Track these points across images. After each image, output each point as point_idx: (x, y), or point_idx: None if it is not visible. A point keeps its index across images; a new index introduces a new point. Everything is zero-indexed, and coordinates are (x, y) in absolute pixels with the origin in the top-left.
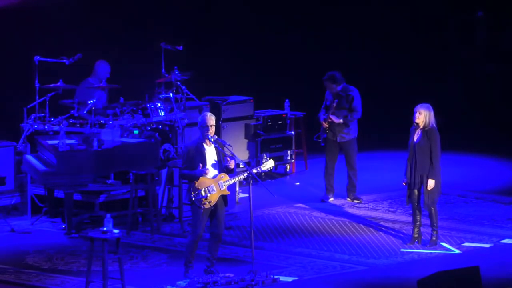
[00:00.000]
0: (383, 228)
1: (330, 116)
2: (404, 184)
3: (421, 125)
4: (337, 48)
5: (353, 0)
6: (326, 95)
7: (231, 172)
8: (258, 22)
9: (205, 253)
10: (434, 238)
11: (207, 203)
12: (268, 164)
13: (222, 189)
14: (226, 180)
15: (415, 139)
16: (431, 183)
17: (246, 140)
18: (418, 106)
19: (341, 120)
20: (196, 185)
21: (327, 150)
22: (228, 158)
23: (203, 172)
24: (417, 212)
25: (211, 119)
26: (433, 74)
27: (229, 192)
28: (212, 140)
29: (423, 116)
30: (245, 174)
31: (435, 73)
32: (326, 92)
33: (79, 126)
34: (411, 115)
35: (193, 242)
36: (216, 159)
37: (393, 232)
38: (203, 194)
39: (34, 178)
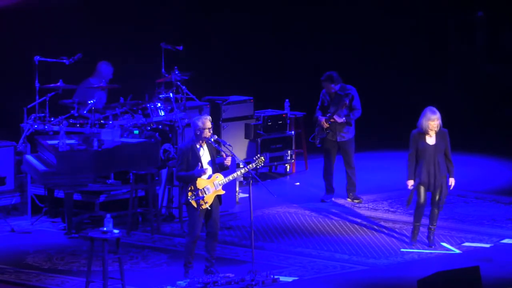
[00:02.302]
0: (383, 228)
1: (334, 117)
2: (411, 187)
3: (438, 129)
4: (337, 48)
5: (354, 0)
6: (321, 95)
7: (226, 169)
8: (258, 22)
9: (204, 253)
10: (433, 237)
11: (204, 204)
12: (260, 161)
13: (217, 189)
14: (221, 180)
15: (430, 142)
16: (453, 182)
17: (246, 140)
18: (433, 112)
19: (343, 119)
20: (192, 186)
21: (326, 150)
22: (224, 155)
23: (202, 172)
24: (422, 213)
25: (207, 122)
26: (433, 74)
27: (224, 192)
28: (212, 140)
29: (439, 119)
30: (239, 172)
31: (435, 73)
32: (321, 92)
33: (79, 126)
34: (411, 114)
35: (191, 243)
36: (210, 159)
37: (393, 232)
38: (200, 195)
39: (34, 178)
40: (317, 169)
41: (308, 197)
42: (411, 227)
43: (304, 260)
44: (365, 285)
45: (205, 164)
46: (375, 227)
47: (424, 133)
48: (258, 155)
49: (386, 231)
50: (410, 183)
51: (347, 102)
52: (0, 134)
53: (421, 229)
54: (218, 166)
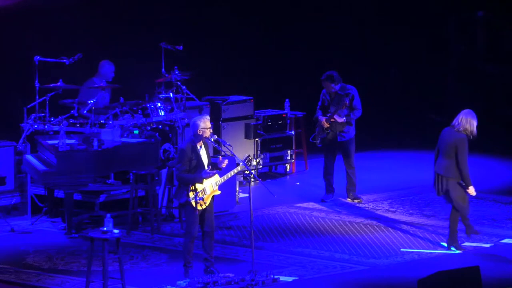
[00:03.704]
0: (383, 228)
1: (334, 116)
2: (474, 192)
3: None
4: (337, 48)
5: (354, 0)
6: (322, 95)
7: (219, 170)
8: (258, 22)
9: (203, 253)
10: None
11: (203, 204)
12: (248, 160)
13: (214, 189)
14: (218, 180)
15: None
16: None
17: (246, 140)
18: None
19: (344, 119)
20: (193, 187)
21: (326, 150)
22: (220, 157)
23: (211, 175)
24: None
25: (207, 121)
26: (432, 74)
27: (220, 192)
28: (212, 140)
29: None
30: (232, 172)
31: (435, 73)
32: (321, 92)
33: (79, 126)
34: (411, 114)
35: (189, 243)
36: (207, 159)
37: (393, 232)
38: (200, 195)
39: (34, 178)
40: (317, 169)
41: (308, 197)
42: (413, 226)
43: (304, 260)
44: (365, 285)
45: (206, 164)
46: (375, 227)
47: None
48: (247, 156)
49: (386, 231)
50: (473, 189)
51: (347, 102)
52: (0, 134)
53: (423, 229)
54: (213, 166)
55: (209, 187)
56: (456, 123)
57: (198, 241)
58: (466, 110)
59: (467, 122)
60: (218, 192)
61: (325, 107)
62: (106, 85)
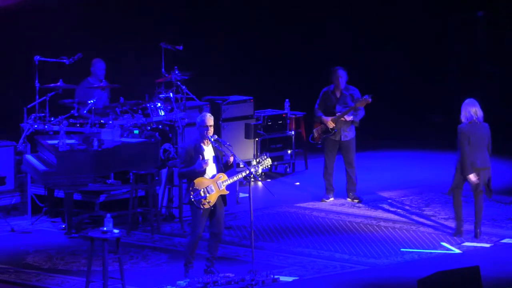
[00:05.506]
0: (383, 228)
1: (345, 117)
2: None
3: None
4: (337, 47)
5: (353, 0)
6: (323, 94)
7: (230, 168)
8: (258, 22)
9: (205, 253)
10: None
11: (206, 203)
12: (266, 162)
13: (221, 189)
14: (224, 180)
15: None
16: None
17: (246, 140)
18: None
19: (352, 117)
20: (195, 185)
21: (327, 149)
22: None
23: (204, 164)
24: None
25: (210, 119)
26: (432, 74)
27: (228, 192)
28: (212, 139)
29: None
30: (244, 173)
31: (435, 73)
32: (321, 91)
33: (79, 126)
34: (411, 114)
35: (192, 243)
36: (213, 159)
37: (393, 232)
38: (202, 194)
39: (34, 178)
40: (317, 168)
41: (308, 197)
42: (413, 226)
43: (304, 260)
44: (365, 285)
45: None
46: (375, 227)
47: None
48: (265, 156)
49: (386, 231)
50: None
51: (367, 97)
52: (0, 134)
53: (423, 229)
54: (223, 166)
55: (214, 186)
56: (476, 117)
57: (201, 241)
58: (470, 101)
59: (480, 111)
60: (226, 192)
61: (327, 107)
62: (106, 84)
